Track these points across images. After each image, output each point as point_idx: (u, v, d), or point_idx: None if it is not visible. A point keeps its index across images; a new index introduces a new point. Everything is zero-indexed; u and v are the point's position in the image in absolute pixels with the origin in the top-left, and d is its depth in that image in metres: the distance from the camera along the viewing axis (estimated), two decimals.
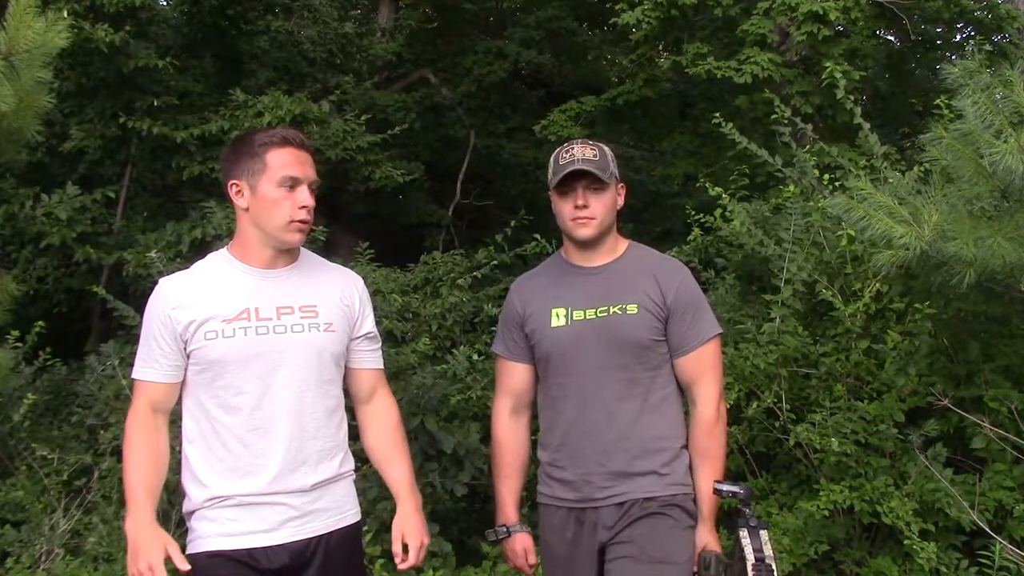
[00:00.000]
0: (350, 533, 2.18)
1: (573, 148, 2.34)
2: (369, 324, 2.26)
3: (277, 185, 2.06)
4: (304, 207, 2.08)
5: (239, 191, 2.10)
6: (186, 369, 2.10)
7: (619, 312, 2.29)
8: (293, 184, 2.07)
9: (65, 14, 4.96)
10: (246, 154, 2.10)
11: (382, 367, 2.31)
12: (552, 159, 2.39)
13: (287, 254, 2.16)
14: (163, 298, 2.09)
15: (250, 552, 2.04)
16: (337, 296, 2.19)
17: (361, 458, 2.36)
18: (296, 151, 2.10)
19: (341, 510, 2.16)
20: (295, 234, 2.10)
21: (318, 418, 2.13)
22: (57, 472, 4.47)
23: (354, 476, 2.25)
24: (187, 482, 2.11)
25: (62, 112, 7.11)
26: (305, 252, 2.24)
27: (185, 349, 2.07)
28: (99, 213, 6.50)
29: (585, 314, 2.31)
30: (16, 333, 4.95)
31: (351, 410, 2.31)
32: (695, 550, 2.29)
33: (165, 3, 8.25)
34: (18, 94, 3.43)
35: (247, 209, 2.10)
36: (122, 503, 4.17)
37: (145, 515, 1.99)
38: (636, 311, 2.28)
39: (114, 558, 3.92)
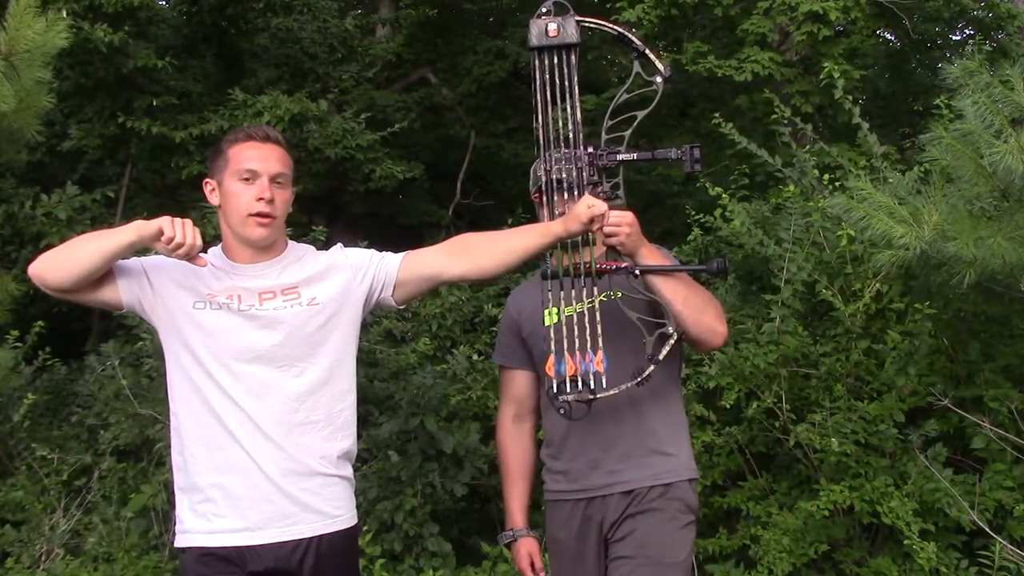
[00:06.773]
0: (344, 538, 2.08)
1: None
2: (367, 260, 2.17)
3: (237, 179, 2.05)
4: (261, 199, 2.03)
5: (212, 190, 2.12)
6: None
7: (604, 300, 2.29)
8: (251, 177, 2.05)
9: (64, 14, 4.95)
10: (216, 153, 2.12)
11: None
12: (532, 168, 2.45)
13: (267, 251, 2.10)
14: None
15: (238, 551, 1.98)
16: (323, 269, 2.13)
17: (362, 458, 2.34)
18: (259, 145, 2.08)
19: (334, 513, 2.06)
20: (255, 228, 2.04)
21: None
22: (57, 472, 4.47)
23: (352, 479, 2.17)
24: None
25: (62, 112, 7.09)
26: (293, 245, 2.18)
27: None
28: (99, 213, 6.47)
29: (574, 307, 2.32)
30: (16, 333, 4.95)
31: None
32: (693, 545, 2.30)
33: (164, 3, 8.23)
34: (18, 94, 3.44)
35: (220, 207, 2.11)
36: (122, 503, 4.19)
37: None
38: (621, 295, 2.29)
39: (114, 558, 3.92)
